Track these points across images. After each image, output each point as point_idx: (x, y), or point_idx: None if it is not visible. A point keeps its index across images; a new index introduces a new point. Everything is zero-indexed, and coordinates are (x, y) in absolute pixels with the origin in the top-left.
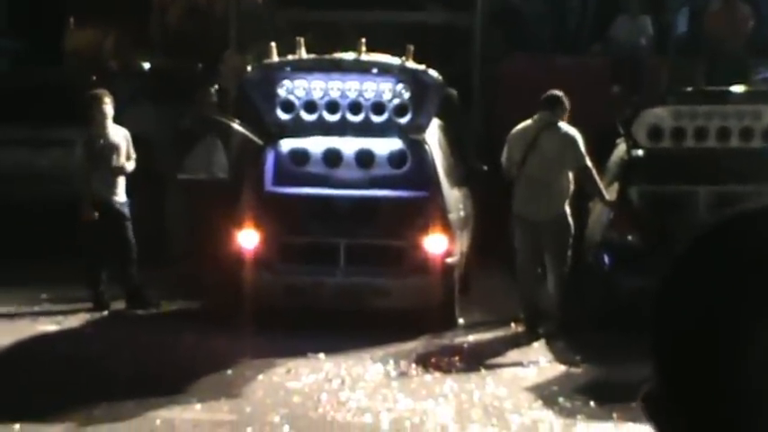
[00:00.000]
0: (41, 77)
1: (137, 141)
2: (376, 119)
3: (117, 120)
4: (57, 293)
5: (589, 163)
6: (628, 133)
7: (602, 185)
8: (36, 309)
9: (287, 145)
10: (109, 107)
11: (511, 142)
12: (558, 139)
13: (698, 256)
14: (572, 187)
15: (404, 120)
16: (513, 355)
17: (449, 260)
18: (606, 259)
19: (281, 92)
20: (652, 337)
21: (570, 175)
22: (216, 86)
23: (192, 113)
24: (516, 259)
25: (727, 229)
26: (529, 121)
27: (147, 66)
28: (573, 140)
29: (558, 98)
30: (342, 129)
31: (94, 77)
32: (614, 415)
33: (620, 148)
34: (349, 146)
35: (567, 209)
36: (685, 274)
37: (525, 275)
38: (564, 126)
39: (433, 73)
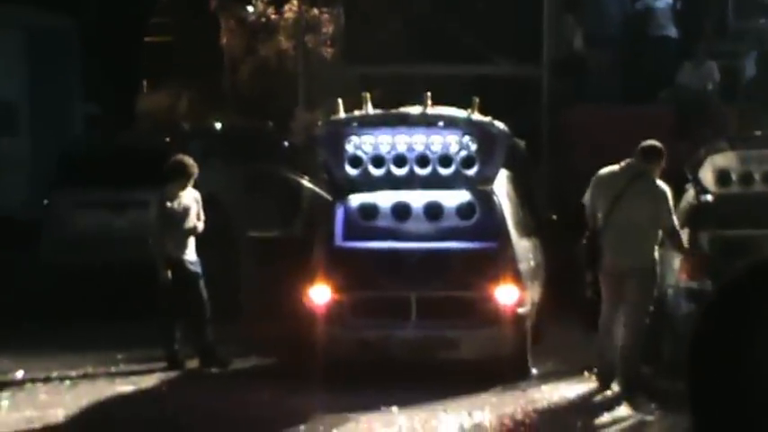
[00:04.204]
0: (118, 140)
1: (209, 201)
2: (443, 171)
3: None
4: (132, 354)
5: (676, 222)
6: (695, 179)
7: (683, 240)
8: (113, 369)
9: (356, 200)
10: (192, 176)
11: (596, 188)
12: (651, 193)
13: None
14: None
15: (471, 171)
16: (587, 404)
17: (520, 310)
18: (678, 305)
19: (349, 147)
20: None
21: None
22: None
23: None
24: (601, 312)
25: (752, 276)
26: (616, 168)
27: (218, 125)
28: (666, 199)
29: (655, 149)
30: (410, 182)
31: (168, 139)
32: None
33: (689, 194)
34: (417, 199)
35: (657, 257)
36: (713, 322)
37: (606, 329)
38: (657, 181)
39: (500, 124)
